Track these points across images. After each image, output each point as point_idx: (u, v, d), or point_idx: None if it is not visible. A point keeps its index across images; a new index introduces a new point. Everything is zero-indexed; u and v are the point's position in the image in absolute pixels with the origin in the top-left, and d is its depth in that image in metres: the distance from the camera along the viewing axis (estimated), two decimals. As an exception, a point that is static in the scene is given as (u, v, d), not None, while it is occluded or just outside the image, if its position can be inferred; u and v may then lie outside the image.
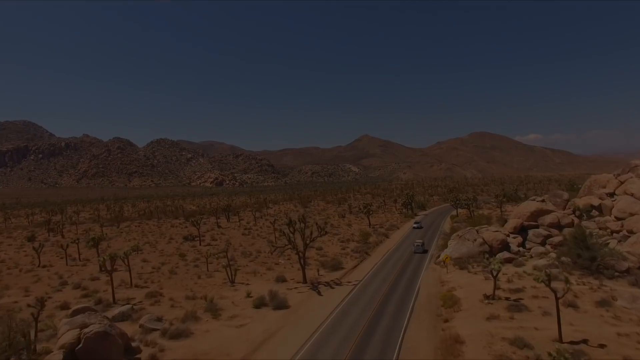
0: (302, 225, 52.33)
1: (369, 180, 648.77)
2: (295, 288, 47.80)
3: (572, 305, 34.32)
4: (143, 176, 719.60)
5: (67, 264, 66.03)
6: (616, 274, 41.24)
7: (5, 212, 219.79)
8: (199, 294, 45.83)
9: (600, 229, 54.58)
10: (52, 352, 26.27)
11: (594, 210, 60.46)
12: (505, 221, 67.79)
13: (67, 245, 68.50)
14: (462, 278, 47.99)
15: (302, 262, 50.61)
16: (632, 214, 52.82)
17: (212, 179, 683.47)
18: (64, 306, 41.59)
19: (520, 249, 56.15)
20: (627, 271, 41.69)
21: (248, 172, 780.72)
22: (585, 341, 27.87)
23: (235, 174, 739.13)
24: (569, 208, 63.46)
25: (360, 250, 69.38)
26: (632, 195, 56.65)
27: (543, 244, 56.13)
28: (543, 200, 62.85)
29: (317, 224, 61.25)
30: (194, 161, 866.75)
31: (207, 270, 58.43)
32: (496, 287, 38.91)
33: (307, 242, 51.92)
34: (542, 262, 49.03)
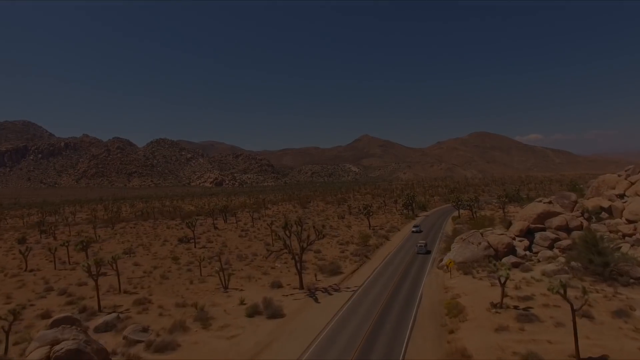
0: (299, 228, 49.94)
1: (369, 180, 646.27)
2: (292, 294, 45.45)
3: (587, 316, 31.87)
4: (142, 176, 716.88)
5: (55, 268, 63.65)
6: (631, 280, 38.87)
7: (1, 212, 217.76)
8: (190, 300, 43.49)
9: (610, 232, 52.20)
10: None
11: (603, 213, 58.08)
12: (509, 223, 65.51)
13: (56, 249, 66.13)
14: (467, 284, 45.64)
15: (298, 267, 48.24)
16: (644, 217, 50.48)
17: (211, 179, 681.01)
18: (46, 315, 39.20)
19: (527, 253, 53.77)
20: (643, 278, 39.34)
21: (248, 172, 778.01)
22: (605, 358, 25.54)
23: (235, 174, 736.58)
24: (577, 210, 61.06)
25: (360, 253, 67.02)
26: (643, 196, 54.33)
27: (551, 247, 53.79)
28: (550, 202, 60.49)
29: (314, 227, 58.89)
30: (194, 161, 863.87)
31: (200, 274, 56.08)
32: (504, 295, 36.58)
33: (304, 245, 49.50)
34: (550, 267, 46.67)
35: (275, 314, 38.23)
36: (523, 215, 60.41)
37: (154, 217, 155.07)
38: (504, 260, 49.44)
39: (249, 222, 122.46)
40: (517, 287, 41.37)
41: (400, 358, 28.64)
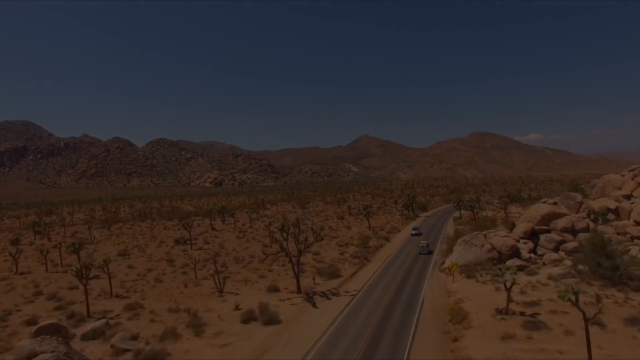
0: (296, 230, 48.30)
1: (369, 180, 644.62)
2: (289, 299, 43.88)
3: (598, 323, 30.23)
4: (142, 176, 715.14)
5: (47, 271, 62.04)
6: (642, 285, 37.26)
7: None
8: (183, 305, 41.90)
9: (618, 234, 50.61)
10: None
11: (610, 214, 56.47)
12: (512, 224, 63.87)
13: (47, 251, 64.50)
14: (470, 288, 44.04)
15: (295, 271, 46.64)
16: (653, 218, 48.89)
17: (211, 179, 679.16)
18: (32, 321, 37.62)
19: (532, 255, 52.17)
20: (654, 282, 37.74)
21: (247, 172, 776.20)
22: (620, 370, 23.99)
23: (235, 174, 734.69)
24: (583, 211, 59.43)
25: (359, 255, 65.40)
26: (651, 197, 52.74)
27: (556, 250, 52.18)
28: (555, 203, 58.84)
29: (312, 229, 57.28)
30: (194, 161, 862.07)
31: (195, 277, 54.52)
32: (509, 300, 35.00)
33: (302, 248, 47.88)
34: (556, 270, 45.10)
35: (271, 320, 36.71)
36: (527, 216, 58.81)
37: (152, 218, 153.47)
38: (508, 263, 47.84)
39: (247, 223, 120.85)
40: (522, 292, 39.80)
41: (402, 369, 27.10)
